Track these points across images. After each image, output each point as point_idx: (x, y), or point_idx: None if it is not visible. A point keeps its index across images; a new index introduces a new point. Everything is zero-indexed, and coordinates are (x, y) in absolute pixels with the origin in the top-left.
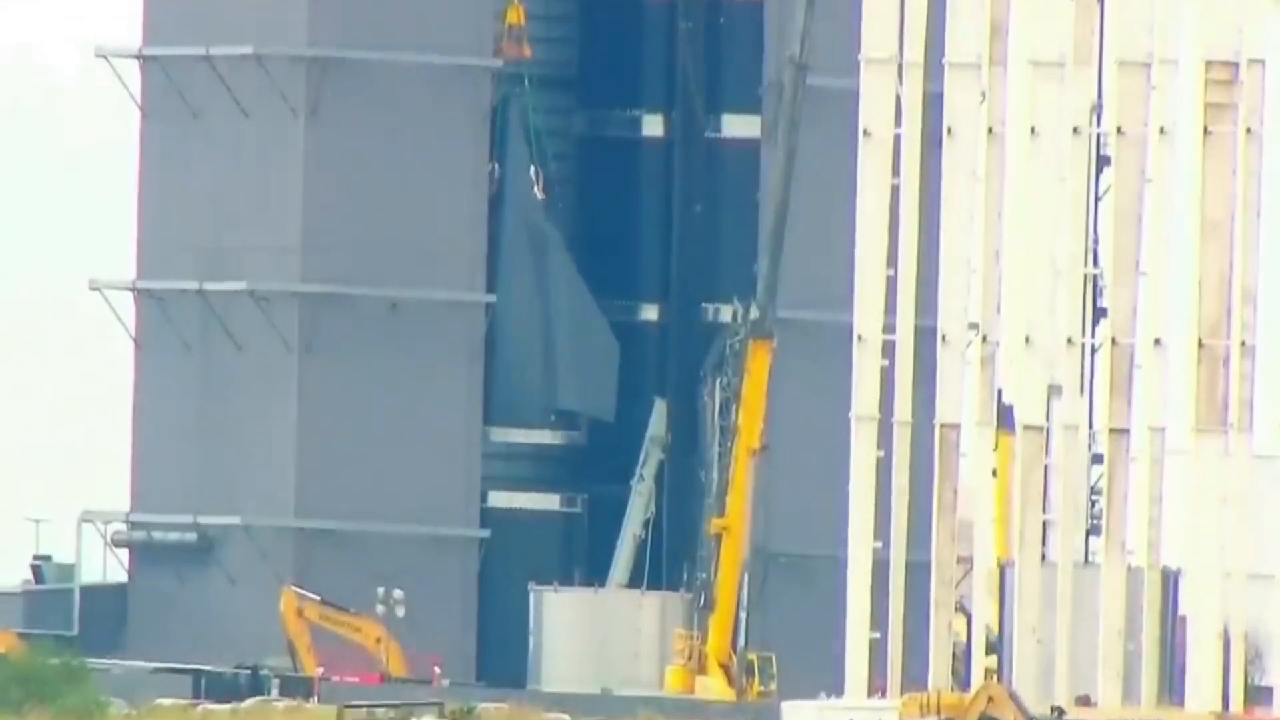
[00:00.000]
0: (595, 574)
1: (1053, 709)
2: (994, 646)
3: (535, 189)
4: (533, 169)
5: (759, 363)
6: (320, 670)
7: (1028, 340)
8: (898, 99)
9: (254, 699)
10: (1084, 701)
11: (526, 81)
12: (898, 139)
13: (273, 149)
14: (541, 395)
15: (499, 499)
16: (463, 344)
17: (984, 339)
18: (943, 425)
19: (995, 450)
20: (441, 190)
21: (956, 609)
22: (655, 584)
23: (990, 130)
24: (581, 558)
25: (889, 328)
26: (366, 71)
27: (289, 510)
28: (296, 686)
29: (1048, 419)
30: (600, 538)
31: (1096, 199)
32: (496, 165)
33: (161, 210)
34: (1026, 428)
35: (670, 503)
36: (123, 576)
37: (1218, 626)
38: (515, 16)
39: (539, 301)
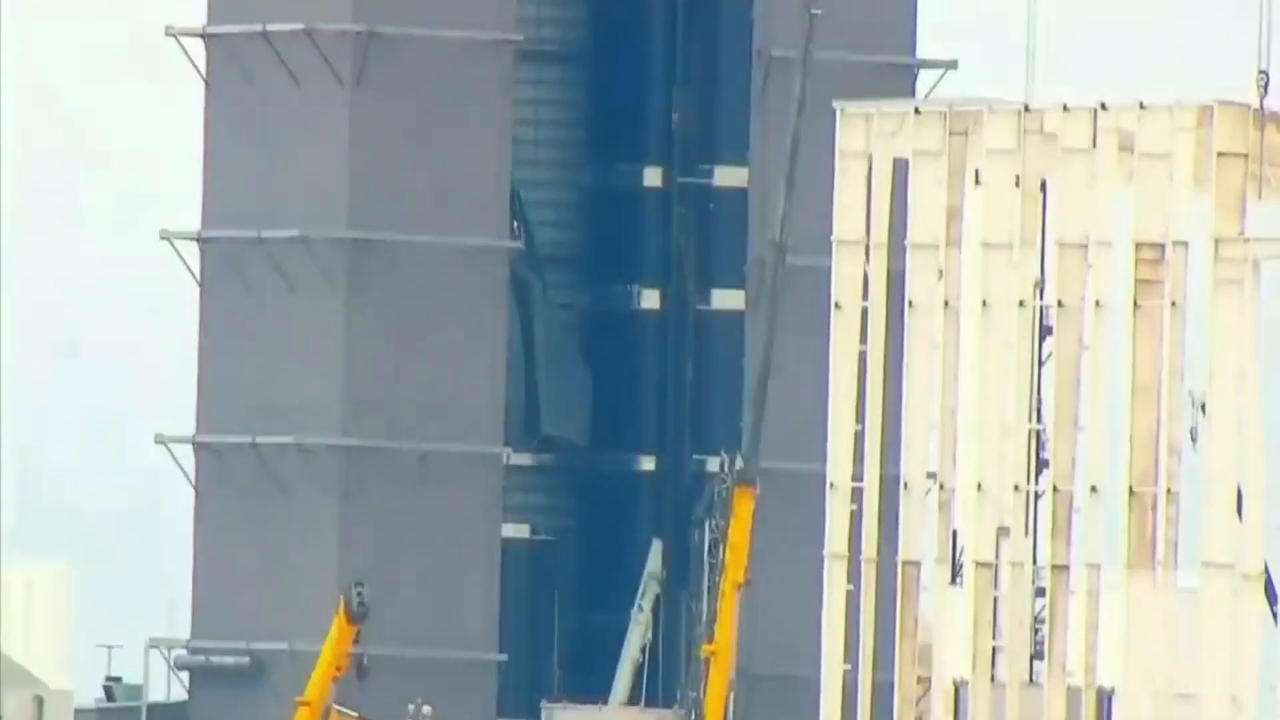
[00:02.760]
0: (599, 692)
1: None
2: None
3: (516, 240)
4: (514, 223)
5: (744, 507)
6: None
7: (979, 487)
8: (865, 276)
9: None
10: None
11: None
12: (865, 311)
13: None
14: (523, 423)
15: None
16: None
17: (941, 486)
18: (905, 562)
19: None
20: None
21: None
22: (652, 701)
23: (947, 304)
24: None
25: (858, 476)
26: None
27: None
28: None
29: (997, 557)
30: (603, 660)
31: (1040, 364)
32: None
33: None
34: (978, 564)
35: (666, 629)
36: (184, 695)
37: None
38: None
39: (520, 346)
